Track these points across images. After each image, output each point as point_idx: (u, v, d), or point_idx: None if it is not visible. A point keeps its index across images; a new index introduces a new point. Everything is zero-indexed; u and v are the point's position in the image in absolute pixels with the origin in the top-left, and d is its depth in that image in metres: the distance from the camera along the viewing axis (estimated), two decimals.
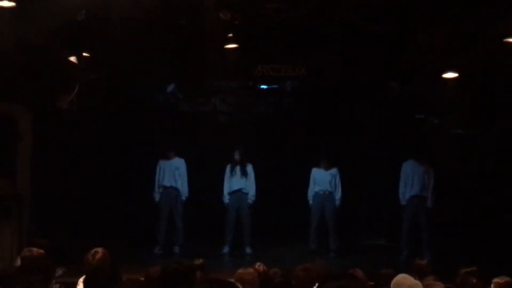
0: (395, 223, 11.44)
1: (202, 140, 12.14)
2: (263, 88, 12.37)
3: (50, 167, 10.20)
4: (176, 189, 11.19)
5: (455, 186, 11.55)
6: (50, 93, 10.01)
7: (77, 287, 5.52)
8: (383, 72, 10.61)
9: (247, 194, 11.23)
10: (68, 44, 8.97)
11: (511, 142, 11.16)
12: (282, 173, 12.24)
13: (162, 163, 11.25)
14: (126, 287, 5.49)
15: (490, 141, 11.65)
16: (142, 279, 5.60)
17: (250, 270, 5.86)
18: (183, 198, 11.20)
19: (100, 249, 5.31)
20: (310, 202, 11.35)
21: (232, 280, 5.57)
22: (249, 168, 11.24)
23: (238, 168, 11.23)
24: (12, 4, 7.13)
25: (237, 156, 11.23)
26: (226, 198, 11.26)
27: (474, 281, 6.01)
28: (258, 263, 6.42)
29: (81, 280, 5.39)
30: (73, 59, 9.07)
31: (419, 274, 6.15)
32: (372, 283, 6.50)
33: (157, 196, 11.25)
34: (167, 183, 11.18)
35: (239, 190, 11.23)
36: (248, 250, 11.17)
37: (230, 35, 8.75)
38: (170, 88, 12.26)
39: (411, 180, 10.99)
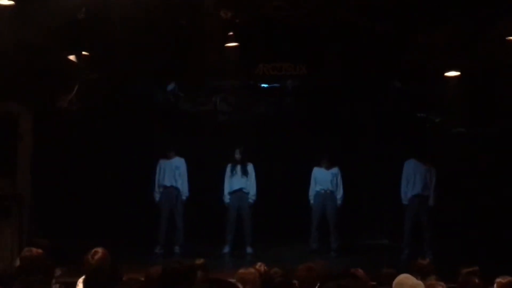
0: (397, 222, 11.42)
1: (203, 140, 12.13)
2: (264, 87, 12.35)
3: (50, 167, 10.19)
4: (177, 188, 11.18)
5: (456, 185, 11.53)
6: (50, 92, 10.00)
7: (77, 287, 5.50)
8: (383, 71, 10.60)
9: (247, 193, 11.21)
10: (68, 44, 8.96)
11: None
12: (283, 173, 12.24)
13: (162, 163, 11.24)
14: (126, 287, 5.47)
15: (491, 141, 11.64)
16: (143, 279, 5.58)
17: (251, 270, 5.85)
18: (184, 197, 11.19)
19: (100, 249, 5.29)
20: (311, 201, 11.34)
21: (233, 280, 5.56)
22: (250, 168, 11.22)
23: (238, 168, 11.22)
24: (11, 2, 7.12)
25: (237, 156, 11.22)
26: (227, 198, 11.25)
27: (477, 281, 5.99)
28: (259, 263, 6.40)
29: (81, 280, 5.37)
30: (72, 58, 9.06)
31: (421, 273, 6.13)
32: (374, 282, 6.48)
33: (157, 196, 11.24)
34: (167, 182, 11.17)
35: (239, 190, 11.21)
36: (249, 249, 11.15)
37: (231, 33, 8.73)
38: (171, 86, 12.24)
39: (413, 179, 10.99)
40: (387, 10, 8.56)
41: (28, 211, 10.11)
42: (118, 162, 11.74)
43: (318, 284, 5.60)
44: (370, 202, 12.46)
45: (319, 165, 11.37)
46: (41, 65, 9.20)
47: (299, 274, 5.81)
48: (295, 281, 5.85)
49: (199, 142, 12.07)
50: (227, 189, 11.25)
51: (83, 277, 5.30)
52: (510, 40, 8.29)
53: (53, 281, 6.08)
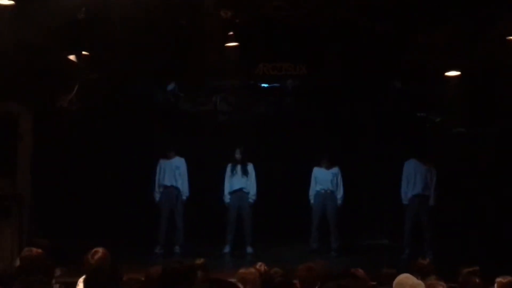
0: (397, 222, 11.42)
1: (203, 140, 12.13)
2: (264, 87, 12.35)
3: (50, 167, 10.19)
4: (177, 188, 11.18)
5: (456, 185, 11.53)
6: (50, 92, 10.00)
7: (77, 287, 5.50)
8: (383, 71, 10.60)
9: (248, 193, 11.21)
10: (68, 44, 8.96)
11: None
12: (283, 172, 12.23)
13: (163, 163, 11.24)
14: (126, 287, 5.47)
15: (491, 141, 11.64)
16: (143, 279, 5.58)
17: (252, 269, 5.86)
18: (184, 197, 11.19)
19: (100, 249, 5.29)
20: (312, 201, 11.34)
21: (233, 280, 5.57)
22: (250, 168, 11.22)
23: (239, 168, 11.22)
24: (11, 2, 7.12)
25: (238, 155, 11.21)
26: (227, 198, 11.25)
27: (477, 280, 5.99)
28: (259, 263, 6.41)
29: (81, 280, 5.37)
30: (73, 58, 9.06)
31: (421, 273, 6.13)
32: (374, 282, 6.48)
33: (157, 196, 11.24)
34: (167, 182, 11.17)
35: (240, 190, 11.21)
36: (249, 249, 11.15)
37: (231, 33, 8.73)
38: (171, 86, 12.23)
39: (413, 179, 10.99)
40: (387, 10, 8.56)
41: (28, 211, 10.11)
42: (118, 162, 11.74)
43: (319, 284, 5.60)
44: (370, 202, 12.45)
45: (319, 165, 11.37)
46: (41, 65, 9.20)
47: (299, 274, 5.81)
48: (296, 281, 5.85)
49: (199, 142, 12.06)
50: (227, 189, 11.25)
51: (84, 277, 5.30)
52: (510, 40, 8.29)
53: (53, 281, 6.08)
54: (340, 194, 11.28)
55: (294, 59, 10.48)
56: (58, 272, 6.73)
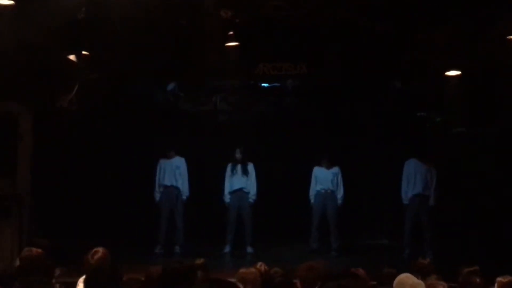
0: (397, 222, 11.42)
1: (203, 139, 12.13)
2: (264, 87, 12.35)
3: (50, 167, 10.19)
4: (177, 188, 11.18)
5: (456, 185, 11.53)
6: (50, 92, 10.00)
7: (77, 287, 5.50)
8: (383, 71, 10.60)
9: (248, 193, 11.21)
10: (68, 44, 8.96)
11: None
12: (283, 172, 12.22)
13: (163, 162, 11.24)
14: (126, 287, 5.47)
15: (491, 140, 11.63)
16: (143, 279, 5.58)
17: (252, 269, 5.86)
18: (184, 197, 11.19)
19: (100, 249, 5.30)
20: (312, 201, 11.34)
21: (234, 279, 5.57)
22: (250, 167, 11.22)
23: (239, 167, 11.22)
24: (11, 2, 7.12)
25: (238, 155, 11.21)
26: (227, 197, 11.25)
27: (477, 280, 5.99)
28: (259, 263, 6.41)
29: (81, 279, 5.37)
30: (73, 58, 9.06)
31: (421, 273, 6.13)
32: (374, 282, 6.48)
33: (157, 196, 11.24)
34: (167, 182, 11.17)
35: (240, 189, 11.21)
36: (249, 249, 11.14)
37: (231, 33, 8.72)
38: (171, 86, 12.23)
39: (413, 179, 10.99)
40: (387, 10, 8.55)
41: (28, 211, 10.11)
42: (118, 162, 11.73)
43: (319, 284, 5.59)
44: (371, 202, 12.45)
45: (319, 164, 11.37)
46: (41, 65, 9.20)
47: (300, 273, 5.80)
48: (296, 281, 5.84)
49: (199, 142, 12.06)
50: (227, 188, 11.24)
51: (84, 276, 5.30)
52: (510, 39, 8.28)
53: (53, 281, 6.07)
54: (340, 194, 11.27)
55: (294, 59, 10.47)
56: (57, 272, 6.72)
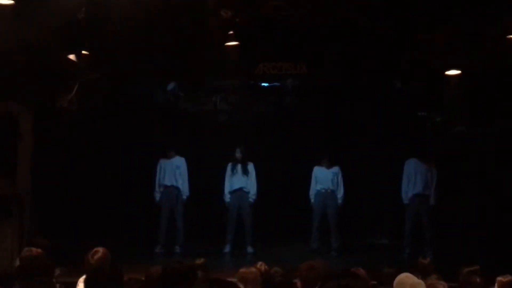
0: (397, 222, 11.42)
1: (203, 139, 12.12)
2: (264, 86, 12.36)
3: (50, 167, 10.19)
4: (177, 188, 11.17)
5: (456, 185, 11.52)
6: (50, 92, 10.00)
7: (77, 287, 5.50)
8: (383, 71, 10.60)
9: (248, 193, 11.21)
10: (68, 44, 8.95)
11: None
12: (283, 172, 12.21)
13: (163, 162, 11.23)
14: (126, 287, 5.46)
15: (491, 140, 11.63)
16: (143, 278, 5.58)
17: (252, 269, 5.87)
18: (184, 197, 11.19)
19: (100, 249, 5.30)
20: (312, 200, 11.33)
21: (234, 279, 5.56)
22: (250, 167, 11.22)
23: (239, 167, 11.22)
24: (11, 1, 7.12)
25: (238, 155, 11.21)
26: (227, 197, 11.25)
27: (477, 280, 5.99)
28: (259, 263, 6.42)
29: (81, 279, 5.37)
30: (72, 58, 9.05)
31: (421, 273, 6.14)
32: (375, 282, 6.47)
33: (157, 196, 11.24)
34: (167, 182, 11.17)
35: (240, 189, 11.21)
36: (250, 249, 11.14)
37: (231, 33, 8.72)
38: (171, 86, 12.24)
39: (413, 178, 10.99)
40: (387, 10, 8.55)
41: (28, 211, 10.11)
42: (118, 162, 11.73)
43: (319, 283, 5.59)
44: (371, 201, 12.44)
45: (319, 164, 11.36)
46: (41, 65, 9.20)
47: (300, 272, 5.80)
48: (296, 280, 5.84)
49: (199, 141, 12.06)
50: (227, 188, 11.24)
51: (84, 276, 5.30)
52: (511, 39, 8.28)
53: (53, 280, 6.07)
54: (340, 193, 11.27)
55: (294, 58, 10.47)
56: (57, 272, 6.72)
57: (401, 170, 11.09)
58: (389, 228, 12.29)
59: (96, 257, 5.21)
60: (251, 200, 11.21)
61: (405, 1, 8.43)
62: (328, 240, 11.25)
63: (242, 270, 5.80)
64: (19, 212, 9.97)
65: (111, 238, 8.30)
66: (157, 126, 12.10)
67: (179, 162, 11.22)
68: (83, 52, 8.97)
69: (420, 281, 5.15)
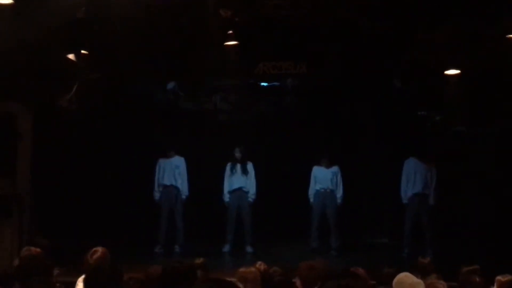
0: (397, 221, 11.42)
1: (203, 139, 12.13)
2: (264, 86, 12.36)
3: (50, 167, 10.19)
4: (176, 188, 11.17)
5: (456, 184, 11.53)
6: (50, 92, 10.00)
7: (76, 287, 5.50)
8: (383, 71, 10.59)
9: (247, 192, 11.21)
10: (68, 44, 8.95)
11: None
12: (283, 172, 12.21)
13: (162, 162, 11.24)
14: (126, 287, 5.47)
15: (491, 140, 11.63)
16: (143, 278, 5.57)
17: (252, 269, 5.87)
18: (183, 197, 11.19)
19: (99, 249, 5.30)
20: (311, 200, 11.33)
21: (233, 279, 5.56)
22: (250, 167, 11.23)
23: (238, 167, 11.22)
24: (10, 1, 7.12)
25: (237, 154, 11.22)
26: (227, 197, 11.25)
27: (477, 279, 5.99)
28: (259, 262, 6.42)
29: (80, 279, 5.37)
30: (72, 57, 9.05)
31: (421, 272, 6.15)
32: (374, 281, 6.48)
33: (157, 195, 11.24)
34: (167, 182, 11.17)
35: (239, 189, 11.21)
36: (249, 249, 11.15)
37: (231, 32, 8.72)
38: (171, 85, 12.24)
39: (413, 178, 10.99)
40: (387, 10, 8.55)
41: (28, 211, 10.11)
42: (118, 162, 11.73)
43: (319, 283, 5.59)
44: (370, 201, 12.44)
45: (319, 163, 11.36)
46: (41, 65, 9.20)
47: (300, 272, 5.80)
48: (295, 280, 5.84)
49: (199, 141, 12.06)
50: (227, 188, 11.25)
51: (83, 276, 5.30)
52: (511, 38, 8.28)
53: (52, 280, 6.07)
54: (340, 193, 11.27)
55: (294, 58, 10.47)
56: (56, 271, 6.72)
57: (400, 170, 11.09)
58: (389, 228, 12.29)
59: (95, 256, 5.21)
60: (250, 199, 11.21)
61: (405, 1, 8.42)
62: (328, 239, 11.25)
63: (242, 269, 5.80)
64: (19, 212, 9.98)
65: (111, 238, 8.29)
66: (157, 125, 12.10)
67: (178, 162, 11.22)
68: (83, 52, 8.96)
69: (419, 281, 5.15)
